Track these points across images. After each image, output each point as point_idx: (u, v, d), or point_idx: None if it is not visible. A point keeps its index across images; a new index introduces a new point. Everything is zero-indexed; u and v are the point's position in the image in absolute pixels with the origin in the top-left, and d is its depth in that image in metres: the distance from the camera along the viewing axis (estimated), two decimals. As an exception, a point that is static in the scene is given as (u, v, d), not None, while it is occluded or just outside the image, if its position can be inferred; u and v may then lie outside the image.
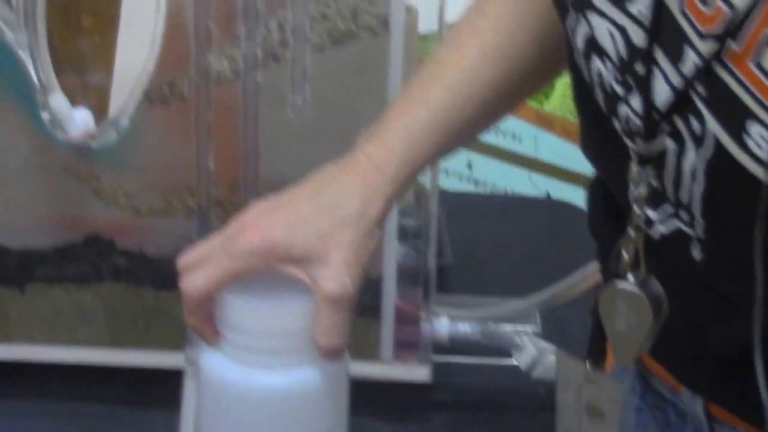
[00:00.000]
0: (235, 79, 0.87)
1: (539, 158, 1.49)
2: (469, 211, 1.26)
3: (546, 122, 1.48)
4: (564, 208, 1.32)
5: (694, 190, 0.48)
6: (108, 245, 0.92)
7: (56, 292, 0.93)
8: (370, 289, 0.91)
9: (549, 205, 1.40)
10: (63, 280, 0.93)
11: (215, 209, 0.90)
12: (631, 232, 0.52)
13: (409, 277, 0.93)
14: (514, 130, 1.49)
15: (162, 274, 0.91)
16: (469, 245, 1.17)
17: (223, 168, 0.89)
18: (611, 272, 0.53)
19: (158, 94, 0.87)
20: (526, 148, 1.49)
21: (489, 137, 1.46)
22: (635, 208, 0.51)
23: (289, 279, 0.57)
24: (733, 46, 0.44)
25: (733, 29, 0.44)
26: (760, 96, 0.44)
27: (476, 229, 1.21)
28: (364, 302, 0.91)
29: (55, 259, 0.92)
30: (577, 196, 1.35)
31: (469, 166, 1.49)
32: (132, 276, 0.92)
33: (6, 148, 0.89)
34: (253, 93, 0.87)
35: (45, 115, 0.88)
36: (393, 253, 0.91)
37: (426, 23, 0.89)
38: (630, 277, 0.52)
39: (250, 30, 0.85)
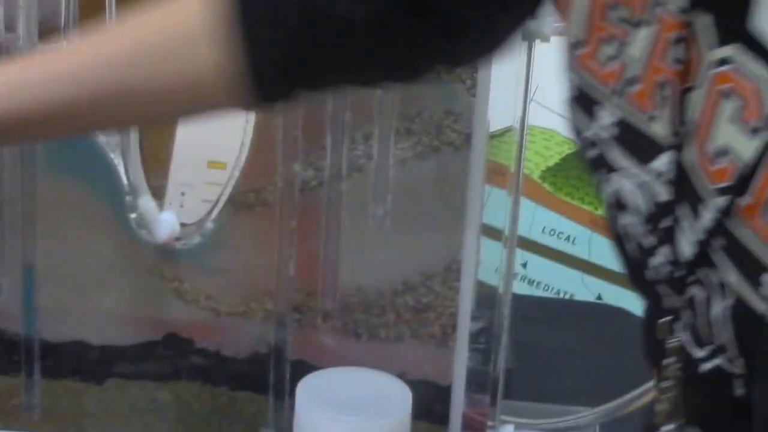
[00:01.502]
0: (319, 188, 0.89)
1: (592, 261, 1.51)
2: (524, 313, 1.28)
3: (599, 225, 1.50)
4: (617, 313, 1.34)
5: (726, 333, 0.49)
6: (186, 344, 0.94)
7: (133, 388, 0.95)
8: (440, 397, 0.92)
9: (601, 309, 1.42)
10: (140, 377, 0.95)
11: (292, 314, 0.92)
12: (665, 383, 0.53)
13: (476, 384, 0.95)
14: (568, 232, 1.51)
15: (238, 375, 0.94)
16: (525, 349, 1.19)
17: (302, 274, 0.91)
18: (647, 427, 0.54)
19: (244, 199, 0.90)
20: (579, 250, 1.52)
21: (544, 238, 1.49)
22: (671, 357, 0.52)
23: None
24: (743, 201, 0.46)
25: (743, 184, 0.45)
26: None
27: (532, 333, 1.23)
28: (434, 409, 0.93)
29: (134, 356, 0.94)
30: (628, 300, 1.36)
31: (524, 265, 1.51)
32: (208, 375, 0.94)
33: (92, 246, 0.92)
34: (336, 202, 0.89)
35: (132, 217, 0.91)
36: (463, 361, 0.93)
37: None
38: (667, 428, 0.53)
39: (336, 141, 0.88)
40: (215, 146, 0.90)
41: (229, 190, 0.90)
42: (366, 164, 0.89)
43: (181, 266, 0.92)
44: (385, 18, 0.60)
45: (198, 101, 0.63)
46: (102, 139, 0.90)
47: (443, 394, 0.93)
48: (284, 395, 0.94)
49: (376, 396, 0.86)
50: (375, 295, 0.91)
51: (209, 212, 0.91)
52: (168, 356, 0.94)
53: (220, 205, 0.90)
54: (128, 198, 0.91)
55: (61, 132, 0.66)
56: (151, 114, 0.65)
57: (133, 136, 0.90)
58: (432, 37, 0.61)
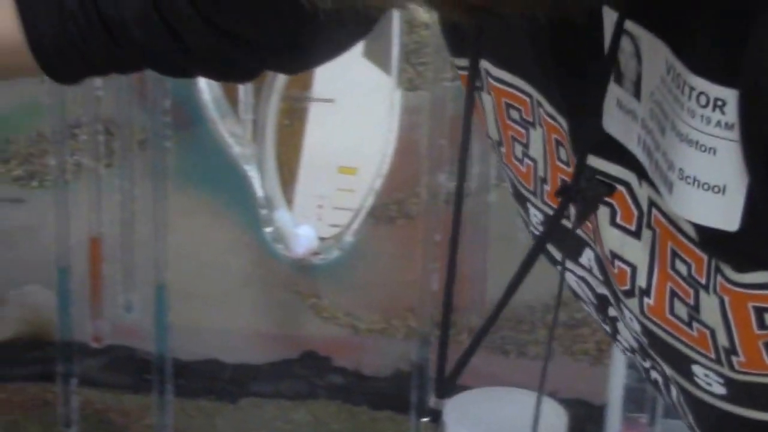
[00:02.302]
0: (465, 199, 0.88)
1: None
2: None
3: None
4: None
5: (688, 415, 0.50)
6: (324, 362, 0.95)
7: (269, 407, 0.96)
8: (593, 417, 0.92)
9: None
10: (276, 396, 0.96)
11: (436, 331, 0.91)
12: None
13: (633, 403, 0.94)
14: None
15: (379, 394, 0.94)
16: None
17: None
18: None
19: (385, 211, 0.90)
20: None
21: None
22: None
23: None
24: (649, 300, 0.46)
25: (644, 286, 0.46)
26: (687, 341, 0.46)
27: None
28: (587, 430, 0.92)
29: (270, 374, 0.95)
30: None
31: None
32: (348, 394, 0.95)
33: (226, 262, 0.93)
34: (483, 213, 0.88)
35: (268, 231, 0.91)
36: (620, 378, 0.92)
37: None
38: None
39: (483, 149, 0.86)
40: (345, 150, 0.90)
41: (369, 202, 0.90)
42: (514, 173, 0.87)
43: (318, 282, 0.93)
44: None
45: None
46: (236, 150, 0.90)
47: (597, 414, 0.92)
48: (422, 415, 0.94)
49: (528, 417, 0.83)
50: (524, 311, 0.91)
51: (348, 225, 0.91)
52: (305, 375, 0.95)
53: (360, 217, 0.91)
54: (263, 211, 0.91)
55: None
56: None
57: (270, 147, 0.91)
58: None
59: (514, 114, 0.52)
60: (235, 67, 0.69)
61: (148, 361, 0.96)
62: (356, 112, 0.95)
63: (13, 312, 0.96)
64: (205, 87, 0.89)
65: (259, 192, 0.91)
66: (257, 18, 0.64)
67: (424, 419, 0.86)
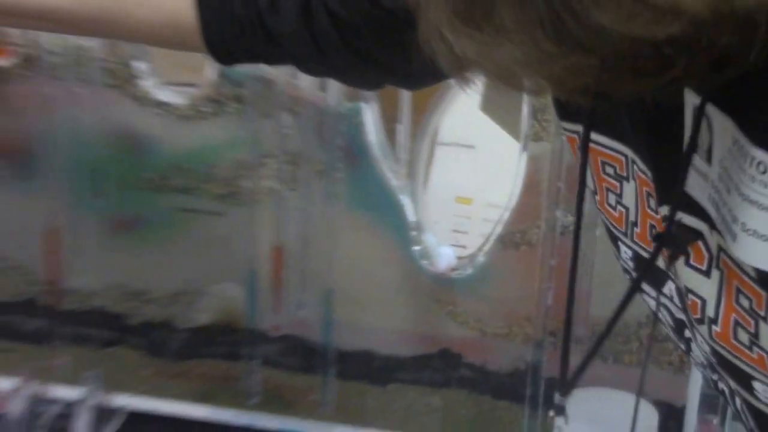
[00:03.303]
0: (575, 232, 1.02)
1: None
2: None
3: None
4: None
5: (750, 422, 0.54)
6: (456, 358, 1.07)
7: (410, 392, 1.09)
8: (674, 416, 1.02)
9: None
10: (416, 383, 1.08)
11: (549, 338, 1.05)
12: None
13: (707, 407, 1.04)
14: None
15: (500, 387, 1.06)
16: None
17: (559, 304, 1.04)
18: None
19: (511, 239, 1.03)
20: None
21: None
22: None
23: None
24: (716, 328, 0.50)
25: (713, 316, 0.50)
26: (748, 362, 0.50)
27: None
28: (668, 426, 1.03)
29: (412, 365, 1.08)
30: None
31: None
32: (474, 386, 1.07)
33: (382, 272, 1.06)
34: (591, 245, 1.01)
35: (416, 249, 1.05)
36: (697, 386, 1.03)
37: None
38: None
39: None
40: (473, 186, 1.03)
41: (498, 230, 1.03)
42: (617, 212, 1.01)
43: (455, 293, 1.05)
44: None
45: (170, 35, 0.76)
46: (393, 182, 1.04)
47: (678, 414, 1.02)
48: (538, 406, 1.06)
49: (628, 414, 0.96)
50: (621, 326, 1.01)
51: (481, 248, 1.04)
52: (440, 368, 1.07)
53: (491, 242, 1.03)
54: (413, 233, 1.04)
55: (54, 29, 0.81)
56: (129, 32, 0.78)
57: (420, 181, 1.06)
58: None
59: (609, 170, 0.56)
60: (363, 79, 0.79)
61: (316, 349, 1.09)
62: (492, 157, 1.09)
63: (211, 303, 1.10)
64: (372, 131, 1.02)
65: (411, 217, 1.04)
66: (386, 45, 0.70)
67: (552, 413, 0.99)
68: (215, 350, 1.12)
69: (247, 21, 0.74)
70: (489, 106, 1.10)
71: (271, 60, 0.77)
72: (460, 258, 1.05)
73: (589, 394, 0.97)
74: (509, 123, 1.05)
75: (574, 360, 0.61)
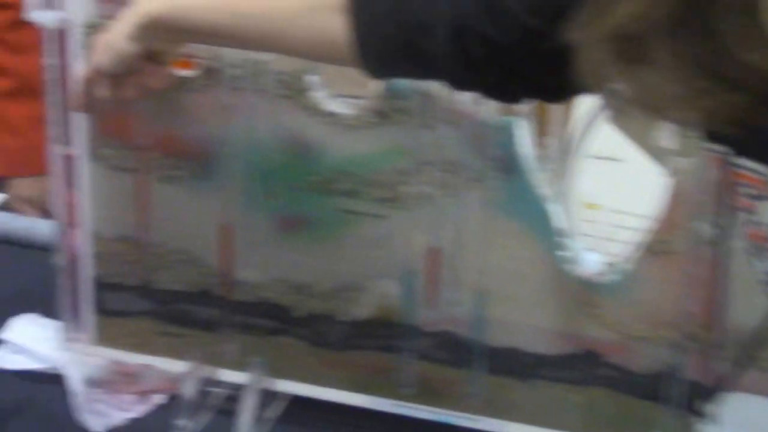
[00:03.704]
0: (718, 244, 1.07)
1: None
2: None
3: None
4: None
5: None
6: (600, 359, 1.13)
7: (554, 389, 1.16)
8: None
9: None
10: (560, 381, 1.15)
11: (689, 342, 1.10)
12: None
13: None
14: None
15: (641, 387, 1.12)
16: None
17: (700, 310, 1.09)
18: None
19: (655, 248, 1.08)
20: None
21: None
22: None
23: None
24: None
25: None
26: None
27: None
28: None
29: (557, 363, 1.15)
30: None
31: None
32: (615, 385, 1.13)
33: (531, 275, 1.13)
34: (730, 256, 1.06)
35: (562, 253, 1.12)
36: None
37: None
38: None
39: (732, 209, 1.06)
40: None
41: (642, 239, 1.09)
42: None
43: (600, 297, 1.11)
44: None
45: (325, 52, 0.85)
46: (543, 191, 1.10)
47: None
48: (679, 408, 1.11)
49: None
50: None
51: (627, 255, 1.10)
52: (584, 367, 1.14)
53: (637, 250, 1.09)
54: (561, 239, 1.11)
55: (222, 44, 0.98)
56: (288, 49, 0.89)
57: (567, 191, 1.12)
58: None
59: (750, 190, 0.62)
60: (508, 94, 0.86)
61: (467, 345, 1.16)
62: (636, 169, 1.15)
63: (370, 299, 1.18)
64: (524, 143, 1.09)
65: (559, 224, 1.11)
66: (535, 64, 0.75)
67: (700, 420, 1.04)
68: (373, 343, 1.21)
69: (398, 40, 0.81)
70: (621, 121, 1.16)
71: (421, 76, 0.84)
72: (605, 264, 1.11)
73: (737, 401, 1.03)
74: (642, 138, 1.11)
75: (719, 366, 0.66)
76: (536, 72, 0.78)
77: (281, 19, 0.90)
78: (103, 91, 1.07)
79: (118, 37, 1.02)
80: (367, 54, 0.84)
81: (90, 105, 1.09)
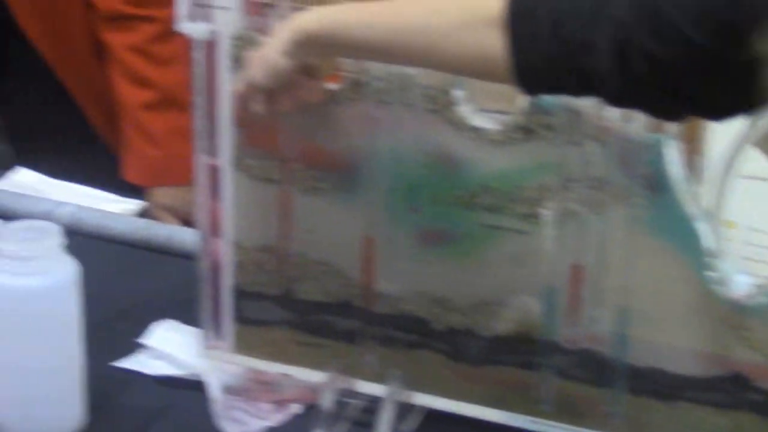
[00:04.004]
0: None
1: None
2: None
3: None
4: None
5: None
6: (747, 382, 1.12)
7: (698, 411, 1.14)
8: None
9: None
10: (704, 403, 1.14)
11: None
12: None
13: None
14: None
15: None
16: None
17: None
18: None
19: None
20: None
21: None
22: None
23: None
24: None
25: None
26: None
27: None
28: None
29: (702, 385, 1.13)
30: None
31: None
32: (764, 410, 1.12)
33: (677, 294, 1.12)
34: None
35: (712, 275, 1.10)
36: None
37: None
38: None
39: None
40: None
41: None
42: None
43: (749, 319, 1.09)
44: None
45: (480, 67, 0.85)
46: (692, 210, 1.09)
47: None
48: None
49: None
50: None
51: None
52: (730, 390, 1.12)
53: None
54: (710, 259, 1.10)
55: (376, 59, 1.00)
56: (443, 64, 0.89)
57: (719, 211, 1.11)
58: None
59: None
60: (669, 112, 0.85)
61: (608, 363, 1.15)
62: None
63: (511, 314, 1.18)
64: (673, 161, 1.08)
65: (709, 244, 1.09)
66: (700, 82, 0.76)
67: None
68: (512, 358, 1.20)
69: (558, 58, 0.81)
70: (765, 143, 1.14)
71: (577, 93, 0.84)
72: (754, 286, 1.10)
73: None
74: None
75: None
76: (703, 88, 0.78)
77: (437, 34, 0.91)
78: (257, 106, 1.09)
79: (273, 52, 1.04)
80: (525, 70, 0.84)
81: (245, 119, 1.11)
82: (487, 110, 1.15)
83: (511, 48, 0.84)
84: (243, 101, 1.12)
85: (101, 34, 1.79)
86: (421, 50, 0.93)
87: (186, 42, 1.20)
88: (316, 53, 1.03)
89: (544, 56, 0.83)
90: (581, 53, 0.81)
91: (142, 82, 1.77)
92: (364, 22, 0.96)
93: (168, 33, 1.17)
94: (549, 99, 1.11)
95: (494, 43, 0.86)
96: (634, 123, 1.09)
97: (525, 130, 1.13)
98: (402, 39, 0.93)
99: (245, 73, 1.10)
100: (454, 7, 0.91)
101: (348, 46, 0.98)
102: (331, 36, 0.98)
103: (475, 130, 1.14)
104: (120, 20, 1.77)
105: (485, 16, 0.88)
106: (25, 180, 1.78)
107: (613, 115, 1.09)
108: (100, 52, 1.82)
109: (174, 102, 1.73)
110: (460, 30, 0.89)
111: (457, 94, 1.14)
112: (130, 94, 1.78)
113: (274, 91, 1.08)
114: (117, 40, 1.78)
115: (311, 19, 1.00)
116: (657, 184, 1.10)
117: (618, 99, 0.84)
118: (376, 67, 1.14)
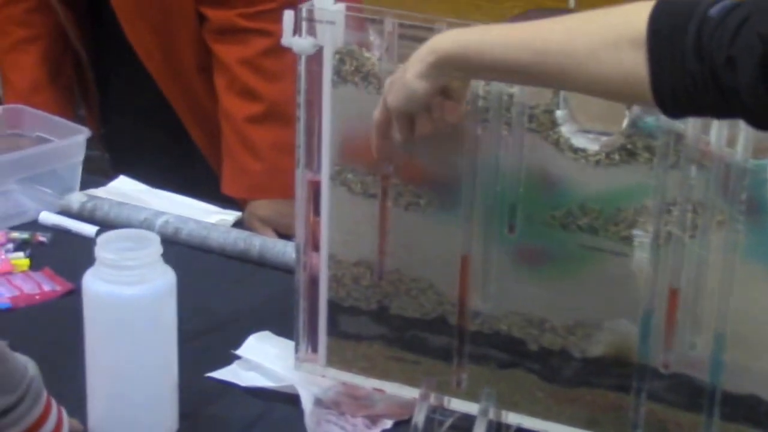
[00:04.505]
0: None
1: None
2: None
3: None
4: None
5: None
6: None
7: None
8: None
9: None
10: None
11: None
12: None
13: None
14: None
15: None
16: None
17: None
18: None
19: None
20: None
21: None
22: None
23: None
24: None
25: None
26: None
27: None
28: None
29: None
30: None
31: None
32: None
33: None
34: None
35: None
36: None
37: None
38: None
39: None
40: None
41: None
42: None
43: None
44: None
45: (620, 87, 0.84)
46: None
47: None
48: None
49: None
50: None
51: None
52: None
53: None
54: None
55: (513, 80, 1.01)
56: (582, 84, 0.88)
57: None
58: None
59: None
60: None
61: (703, 389, 1.15)
62: None
63: (606, 337, 1.18)
64: None
65: None
66: None
67: None
68: (606, 381, 1.20)
69: (700, 76, 0.81)
70: None
71: (719, 113, 0.84)
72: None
73: None
74: None
75: None
76: None
77: (579, 54, 0.91)
78: (398, 133, 1.09)
79: (411, 76, 1.05)
80: (666, 90, 0.84)
81: (385, 150, 1.12)
82: (588, 131, 1.15)
83: (653, 66, 0.84)
84: (382, 130, 1.12)
85: (212, 47, 1.82)
86: (561, 71, 0.93)
87: (296, 57, 1.22)
88: (454, 74, 1.04)
89: (685, 75, 0.83)
90: (724, 70, 0.81)
91: (250, 95, 1.79)
92: (502, 42, 0.96)
93: (280, 47, 1.19)
94: (651, 121, 1.11)
95: (636, 63, 0.86)
96: (736, 147, 1.09)
97: (626, 152, 1.13)
98: (542, 59, 0.93)
99: (383, 101, 1.11)
100: (597, 26, 0.91)
101: (485, 67, 0.99)
102: (468, 58, 0.99)
103: (576, 151, 1.15)
104: (233, 33, 1.79)
105: (629, 36, 0.88)
106: (126, 189, 1.81)
107: (716, 139, 1.09)
108: (206, 67, 1.84)
109: (279, 116, 1.75)
110: (603, 50, 0.89)
111: (559, 114, 1.15)
112: (236, 107, 1.80)
113: (413, 116, 1.09)
114: (229, 52, 1.80)
115: (448, 40, 1.01)
116: (757, 210, 1.09)
117: (761, 117, 0.83)
118: (479, 86, 1.15)
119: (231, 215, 1.75)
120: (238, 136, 1.81)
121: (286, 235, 1.65)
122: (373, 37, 1.19)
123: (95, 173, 1.89)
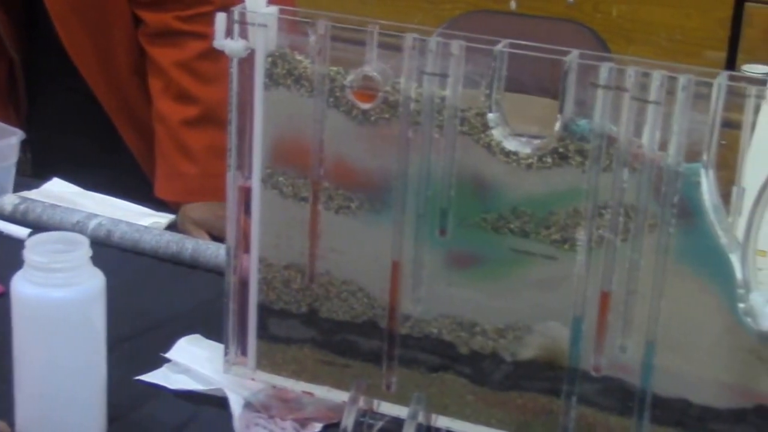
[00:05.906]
0: None
1: None
2: None
3: None
4: None
5: None
6: (767, 414, 1.11)
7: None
8: None
9: None
10: (738, 436, 1.12)
11: None
12: None
13: None
14: None
15: None
16: None
17: None
18: None
19: None
20: None
21: None
22: None
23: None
24: None
25: None
26: None
27: None
28: None
29: (727, 418, 1.13)
30: None
31: None
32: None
33: (704, 325, 1.12)
34: None
35: (741, 306, 1.10)
36: None
37: None
38: None
39: None
40: None
41: None
42: None
43: None
44: None
45: None
46: (723, 241, 1.09)
47: None
48: None
49: None
50: None
51: None
52: (756, 422, 1.12)
53: None
54: (740, 290, 1.09)
55: None
56: None
57: (752, 242, 1.10)
58: None
59: None
60: None
61: (633, 392, 1.15)
62: None
63: (537, 340, 1.18)
64: (707, 191, 1.08)
65: (738, 275, 1.09)
66: None
67: None
68: (536, 384, 1.20)
69: None
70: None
71: None
72: (785, 319, 1.09)
73: None
74: None
75: None
76: None
77: None
78: None
79: None
80: None
81: None
82: (520, 134, 1.14)
83: None
84: None
85: (148, 50, 1.80)
86: None
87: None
88: None
89: None
90: None
91: (185, 98, 1.78)
92: None
93: (215, 50, 1.17)
94: (583, 124, 1.11)
95: None
96: (669, 151, 1.09)
97: (558, 155, 1.13)
98: None
99: None
100: None
101: None
102: None
103: (508, 154, 1.14)
104: (169, 36, 1.78)
105: None
106: (60, 191, 1.79)
107: (647, 143, 1.09)
108: (140, 70, 1.83)
109: (214, 119, 1.74)
110: None
111: (491, 117, 1.14)
112: (171, 110, 1.79)
113: None
114: (164, 55, 1.78)
115: None
116: (690, 213, 1.10)
117: None
118: (410, 88, 1.15)
119: (164, 218, 1.73)
120: (172, 140, 1.79)
121: (219, 237, 1.64)
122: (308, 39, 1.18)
123: (28, 176, 1.87)
